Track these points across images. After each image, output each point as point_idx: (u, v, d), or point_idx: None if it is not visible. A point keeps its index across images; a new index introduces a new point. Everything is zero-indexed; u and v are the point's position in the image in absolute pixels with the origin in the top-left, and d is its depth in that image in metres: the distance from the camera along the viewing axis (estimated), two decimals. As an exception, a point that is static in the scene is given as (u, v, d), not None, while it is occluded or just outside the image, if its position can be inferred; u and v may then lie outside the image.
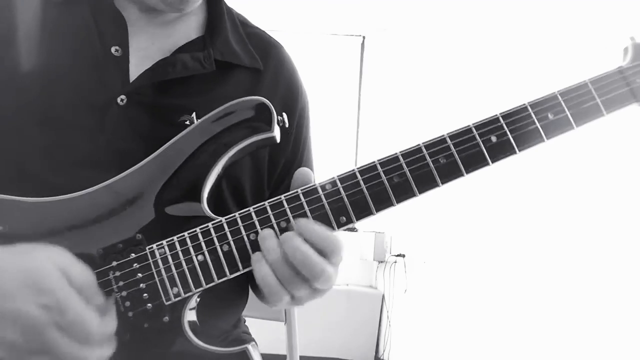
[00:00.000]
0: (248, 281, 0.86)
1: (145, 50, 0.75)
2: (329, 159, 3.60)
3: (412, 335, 3.03)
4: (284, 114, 0.68)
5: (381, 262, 3.55)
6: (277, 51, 0.86)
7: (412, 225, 3.10)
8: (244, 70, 0.79)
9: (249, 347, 0.65)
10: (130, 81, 0.72)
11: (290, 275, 0.58)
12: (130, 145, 0.69)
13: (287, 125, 0.67)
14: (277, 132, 0.65)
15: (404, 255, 3.27)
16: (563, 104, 0.62)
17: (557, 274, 1.74)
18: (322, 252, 0.59)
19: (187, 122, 0.69)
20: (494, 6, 2.37)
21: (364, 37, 4.03)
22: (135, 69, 0.73)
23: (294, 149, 0.86)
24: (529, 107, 0.62)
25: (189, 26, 0.80)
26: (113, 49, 0.72)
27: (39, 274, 0.54)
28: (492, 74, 2.30)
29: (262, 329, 1.10)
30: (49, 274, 0.54)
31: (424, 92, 3.11)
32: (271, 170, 0.82)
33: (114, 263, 0.61)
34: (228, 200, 0.75)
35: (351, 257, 3.66)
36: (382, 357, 3.39)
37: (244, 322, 0.93)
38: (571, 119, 0.62)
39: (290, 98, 0.84)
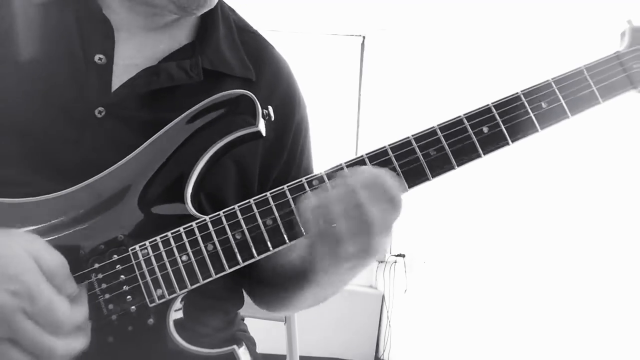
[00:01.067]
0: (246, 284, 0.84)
1: (131, 58, 0.71)
2: (328, 159, 3.57)
3: (412, 335, 3.02)
4: (270, 108, 0.65)
5: (381, 262, 3.54)
6: (274, 62, 0.82)
7: (412, 225, 3.09)
8: (235, 81, 0.75)
9: (236, 348, 0.63)
10: (112, 92, 0.69)
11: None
12: (106, 158, 0.65)
13: (272, 119, 0.64)
14: (262, 126, 0.63)
15: (404, 255, 3.26)
16: (557, 92, 0.60)
17: (557, 274, 1.73)
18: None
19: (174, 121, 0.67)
20: (493, 5, 2.36)
21: (364, 37, 4.02)
22: (118, 79, 0.69)
23: (288, 162, 0.82)
24: (522, 96, 0.60)
25: (180, 32, 0.76)
26: (97, 57, 0.69)
27: (9, 259, 0.52)
28: (492, 73, 2.28)
29: (262, 329, 1.09)
30: (20, 260, 0.53)
31: (424, 92, 3.10)
32: (263, 184, 0.79)
33: (96, 265, 0.60)
34: (205, 207, 0.72)
35: (351, 258, 3.64)
36: (382, 357, 3.39)
37: (242, 320, 0.91)
38: (566, 107, 0.60)
39: (285, 111, 0.80)
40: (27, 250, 0.53)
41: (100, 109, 0.67)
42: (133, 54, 0.71)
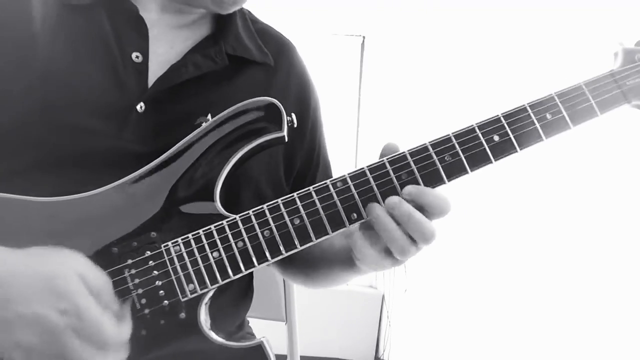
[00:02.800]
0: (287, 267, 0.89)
1: (164, 55, 0.75)
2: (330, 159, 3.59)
3: (412, 335, 3.02)
4: (293, 115, 0.70)
5: (381, 261, 3.55)
6: (288, 49, 0.87)
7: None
8: (256, 67, 0.80)
9: (264, 341, 0.66)
10: (149, 87, 0.72)
11: (405, 246, 0.61)
12: (149, 150, 0.69)
13: (295, 125, 0.69)
14: (286, 132, 0.67)
15: (404, 255, 3.27)
16: (560, 104, 0.65)
17: (557, 274, 1.73)
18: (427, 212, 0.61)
19: (204, 124, 0.71)
20: (492, 7, 2.39)
21: (364, 37, 4.03)
22: (154, 75, 0.73)
23: (310, 146, 0.87)
24: (528, 108, 0.65)
25: (203, 27, 0.80)
26: (134, 55, 0.72)
27: (57, 278, 0.54)
28: (492, 73, 2.30)
29: (262, 329, 1.12)
30: (68, 279, 0.55)
31: (425, 92, 3.11)
32: (288, 169, 0.83)
33: (129, 261, 0.62)
34: (246, 201, 0.76)
35: (351, 257, 3.63)
36: (382, 357, 3.38)
37: (248, 323, 0.94)
38: (568, 119, 0.64)
39: (303, 96, 0.85)
40: (74, 270, 0.55)
41: (141, 104, 0.71)
42: (166, 50, 0.75)
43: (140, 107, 0.71)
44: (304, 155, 0.86)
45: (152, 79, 0.73)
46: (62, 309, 0.53)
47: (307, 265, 0.85)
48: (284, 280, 1.28)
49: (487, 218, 2.30)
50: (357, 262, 0.68)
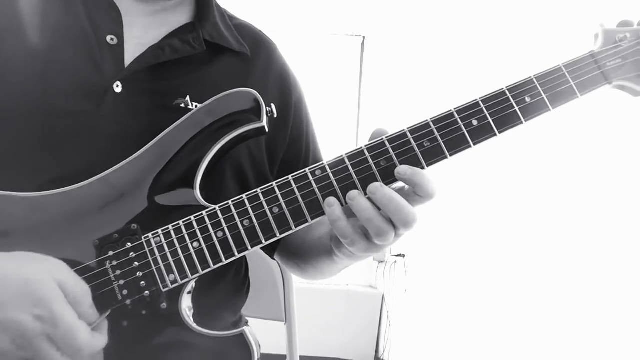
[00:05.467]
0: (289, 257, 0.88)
1: (140, 38, 0.76)
2: (328, 159, 3.59)
3: (412, 335, 3.02)
4: (273, 105, 0.69)
5: (381, 262, 3.55)
6: (267, 45, 0.88)
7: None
8: (233, 55, 0.81)
9: (246, 329, 0.65)
10: (126, 67, 0.73)
11: (382, 227, 0.59)
12: (128, 129, 0.70)
13: (275, 116, 0.69)
14: (266, 123, 0.67)
15: (404, 255, 3.28)
16: (539, 87, 0.64)
17: (557, 274, 1.73)
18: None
19: (182, 105, 0.72)
20: (492, 6, 2.39)
21: (364, 37, 4.04)
22: (131, 57, 0.74)
23: (295, 138, 0.87)
24: (507, 92, 0.64)
25: (179, 15, 0.82)
26: (108, 38, 0.74)
27: (36, 284, 0.55)
28: (491, 73, 2.30)
29: (262, 329, 1.12)
30: (46, 286, 0.55)
31: (424, 92, 3.12)
32: (271, 160, 0.84)
33: (111, 253, 0.62)
34: (231, 193, 0.76)
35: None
36: (382, 357, 3.38)
37: (246, 322, 0.94)
38: (547, 101, 0.64)
39: (284, 90, 0.86)
40: (53, 277, 0.56)
41: (118, 83, 0.72)
42: (140, 34, 0.77)
43: (117, 86, 0.72)
44: (288, 148, 0.86)
45: (128, 60, 0.74)
46: (38, 314, 0.53)
47: (298, 256, 0.85)
48: (283, 280, 1.28)
49: (486, 218, 2.29)
50: (335, 249, 0.68)
